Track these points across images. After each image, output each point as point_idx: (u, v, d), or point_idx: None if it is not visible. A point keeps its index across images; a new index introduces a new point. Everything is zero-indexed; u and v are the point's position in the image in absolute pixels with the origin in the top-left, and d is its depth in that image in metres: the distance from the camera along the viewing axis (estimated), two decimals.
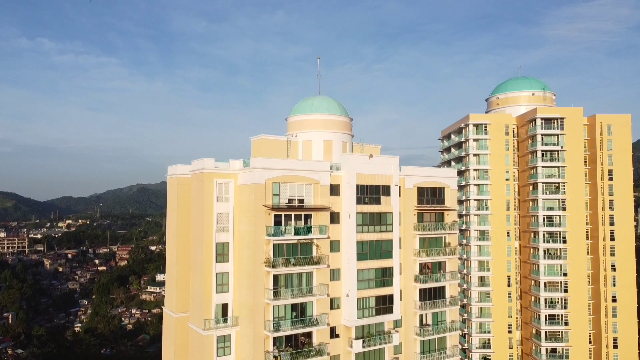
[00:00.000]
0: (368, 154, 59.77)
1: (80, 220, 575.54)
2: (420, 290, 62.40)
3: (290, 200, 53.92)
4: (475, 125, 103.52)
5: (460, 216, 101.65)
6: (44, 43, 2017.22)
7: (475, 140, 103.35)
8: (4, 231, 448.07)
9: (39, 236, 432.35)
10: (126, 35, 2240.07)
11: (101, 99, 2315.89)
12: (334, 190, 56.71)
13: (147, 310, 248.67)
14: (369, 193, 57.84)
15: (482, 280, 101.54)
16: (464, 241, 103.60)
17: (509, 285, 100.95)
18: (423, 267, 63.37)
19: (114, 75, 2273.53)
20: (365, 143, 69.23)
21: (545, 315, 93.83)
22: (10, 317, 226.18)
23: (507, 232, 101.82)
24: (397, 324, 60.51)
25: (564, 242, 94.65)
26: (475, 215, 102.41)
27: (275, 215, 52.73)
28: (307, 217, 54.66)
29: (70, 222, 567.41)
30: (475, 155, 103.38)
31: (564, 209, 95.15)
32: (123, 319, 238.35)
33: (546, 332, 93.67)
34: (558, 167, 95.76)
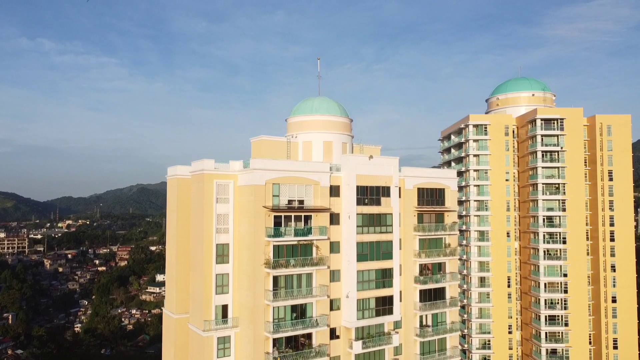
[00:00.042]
0: (368, 154, 59.79)
1: (80, 221, 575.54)
2: (420, 291, 62.39)
3: (290, 202, 53.91)
4: (475, 125, 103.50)
5: (460, 217, 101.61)
6: (44, 43, 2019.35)
7: (475, 140, 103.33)
8: (3, 231, 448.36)
9: (39, 236, 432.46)
10: (126, 36, 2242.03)
11: (101, 99, 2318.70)
12: (334, 191, 56.71)
13: (147, 311, 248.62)
14: (369, 194, 57.85)
15: (482, 281, 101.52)
16: (464, 242, 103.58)
17: (509, 286, 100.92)
18: (423, 268, 63.35)
19: (114, 76, 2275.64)
20: (365, 144, 69.28)
21: (545, 316, 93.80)
22: (10, 317, 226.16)
23: (507, 233, 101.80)
24: (397, 325, 60.51)
25: (564, 242, 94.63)
26: (475, 216, 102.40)
27: (275, 217, 52.73)
28: (307, 218, 54.67)
29: (70, 222, 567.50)
30: (475, 155, 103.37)
31: (564, 210, 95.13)
32: (123, 319, 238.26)
33: (546, 333, 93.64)
34: (558, 167, 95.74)
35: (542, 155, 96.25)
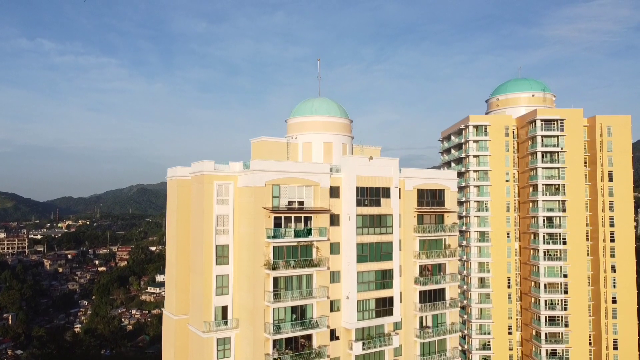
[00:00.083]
0: (368, 155, 59.78)
1: (80, 221, 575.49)
2: (420, 292, 62.36)
3: (290, 203, 53.89)
4: (475, 126, 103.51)
5: (460, 217, 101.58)
6: (44, 44, 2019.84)
7: (475, 141, 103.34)
8: (3, 232, 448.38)
9: (39, 237, 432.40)
10: (126, 36, 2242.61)
11: (101, 99, 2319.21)
12: (334, 192, 56.70)
13: (147, 311, 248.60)
14: (369, 195, 57.83)
15: (482, 282, 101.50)
16: (464, 242, 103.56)
17: (509, 287, 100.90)
18: (423, 269, 63.32)
19: (114, 76, 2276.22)
20: (365, 145, 69.26)
21: (545, 317, 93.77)
22: (10, 317, 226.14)
23: (507, 234, 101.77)
24: (397, 326, 60.48)
25: (564, 243, 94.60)
26: (475, 216, 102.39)
27: (275, 218, 52.72)
28: (307, 220, 54.66)
29: (70, 222, 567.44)
30: (475, 156, 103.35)
31: (564, 211, 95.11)
32: (123, 319, 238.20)
33: (546, 334, 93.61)
34: (558, 168, 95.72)
35: (542, 156, 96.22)
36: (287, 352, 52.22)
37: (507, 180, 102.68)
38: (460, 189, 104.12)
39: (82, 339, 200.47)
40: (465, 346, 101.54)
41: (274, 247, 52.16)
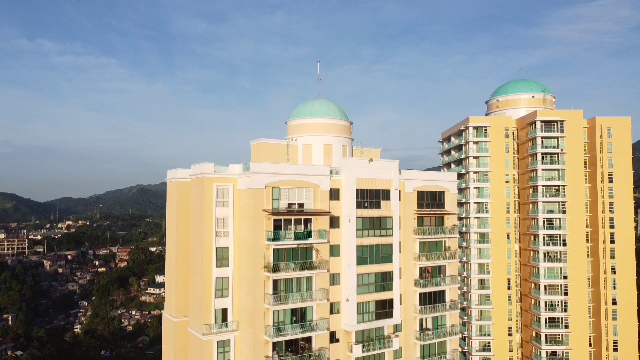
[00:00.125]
0: (368, 157, 59.78)
1: (80, 221, 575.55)
2: (420, 294, 62.32)
3: (290, 205, 53.85)
4: (475, 127, 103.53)
5: (460, 219, 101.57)
6: (44, 44, 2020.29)
7: (475, 142, 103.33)
8: (3, 232, 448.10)
9: (39, 237, 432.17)
10: (126, 36, 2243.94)
11: (101, 99, 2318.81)
12: (334, 194, 56.66)
13: (146, 312, 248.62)
14: (369, 197, 57.78)
15: (482, 283, 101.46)
16: (464, 244, 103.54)
17: (509, 288, 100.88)
18: (423, 271, 63.28)
19: (114, 76, 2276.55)
20: (365, 146, 69.23)
21: (546, 318, 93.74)
22: (9, 318, 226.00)
23: (507, 235, 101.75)
24: (397, 328, 60.42)
25: (564, 244, 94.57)
26: (475, 217, 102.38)
27: (275, 220, 52.68)
28: (307, 222, 54.63)
29: (70, 223, 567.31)
30: (475, 157, 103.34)
31: (564, 212, 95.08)
32: (123, 320, 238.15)
33: (546, 335, 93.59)
34: (558, 169, 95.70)
35: (542, 157, 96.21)
36: (287, 355, 52.18)
37: (507, 182, 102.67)
38: (460, 190, 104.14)
39: (82, 339, 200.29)
40: (465, 347, 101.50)
41: (273, 249, 52.13)
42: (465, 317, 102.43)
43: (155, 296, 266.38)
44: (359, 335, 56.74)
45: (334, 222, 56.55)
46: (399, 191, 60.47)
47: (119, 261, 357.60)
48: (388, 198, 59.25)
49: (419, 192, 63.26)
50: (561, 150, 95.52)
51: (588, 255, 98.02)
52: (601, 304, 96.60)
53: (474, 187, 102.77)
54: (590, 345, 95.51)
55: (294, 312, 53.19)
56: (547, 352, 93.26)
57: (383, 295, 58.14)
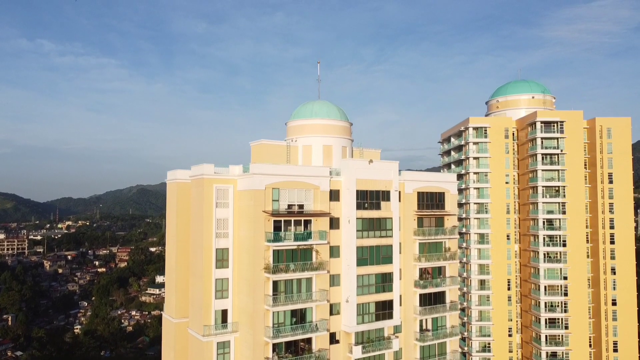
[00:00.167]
0: (368, 158, 59.78)
1: (80, 222, 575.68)
2: (420, 295, 62.31)
3: (290, 206, 53.84)
4: (475, 128, 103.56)
5: (460, 219, 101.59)
6: (44, 44, 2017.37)
7: (475, 143, 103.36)
8: (3, 232, 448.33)
9: (39, 237, 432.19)
10: (126, 37, 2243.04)
11: (101, 100, 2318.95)
12: (334, 195, 56.65)
13: (146, 312, 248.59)
14: (369, 198, 57.77)
15: (482, 284, 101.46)
16: (464, 244, 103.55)
17: (509, 289, 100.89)
18: (423, 272, 63.29)
19: (114, 77, 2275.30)
20: (365, 147, 69.28)
21: (546, 319, 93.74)
22: (9, 319, 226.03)
23: (507, 236, 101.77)
24: (397, 329, 60.43)
25: (564, 245, 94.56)
26: (475, 218, 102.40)
27: (275, 221, 52.66)
28: (307, 223, 54.62)
29: (70, 223, 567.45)
30: (475, 158, 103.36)
31: (564, 212, 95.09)
32: (123, 320, 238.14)
33: (546, 336, 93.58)
34: (558, 170, 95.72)
35: (542, 157, 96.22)
36: (287, 356, 52.18)
37: (507, 182, 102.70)
38: (460, 190, 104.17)
39: (82, 340, 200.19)
40: (466, 348, 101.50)
41: (273, 250, 52.12)
42: (465, 318, 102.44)
43: (155, 296, 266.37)
44: (359, 336, 56.73)
45: (334, 223, 56.54)
46: (399, 192, 60.47)
47: (118, 261, 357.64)
48: (388, 199, 59.24)
49: (419, 193, 63.26)
50: (561, 151, 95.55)
51: (588, 256, 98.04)
52: (601, 305, 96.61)
53: (474, 188, 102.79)
54: (590, 346, 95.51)
55: (294, 313, 53.18)
56: (547, 352, 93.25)
57: (383, 297, 58.12)
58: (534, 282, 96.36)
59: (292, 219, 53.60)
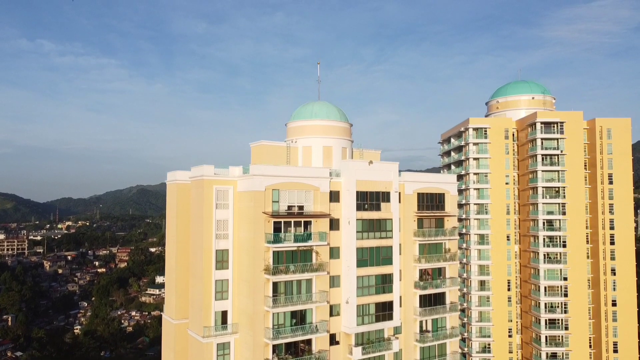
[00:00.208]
0: (368, 159, 59.76)
1: (80, 222, 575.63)
2: (420, 296, 62.27)
3: (289, 207, 53.81)
4: (475, 129, 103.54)
5: (460, 220, 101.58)
6: (44, 44, 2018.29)
7: (475, 144, 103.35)
8: (3, 233, 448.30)
9: (39, 238, 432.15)
10: (126, 37, 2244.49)
11: (101, 100, 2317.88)
12: (334, 196, 56.61)
13: (146, 313, 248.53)
14: (369, 199, 57.74)
15: (482, 284, 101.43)
16: (464, 245, 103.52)
17: (509, 290, 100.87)
18: (423, 273, 63.26)
19: (114, 77, 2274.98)
20: (365, 148, 69.23)
21: (546, 320, 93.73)
22: (9, 319, 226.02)
23: (507, 236, 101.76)
24: (397, 330, 60.39)
25: (564, 246, 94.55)
26: (475, 219, 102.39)
27: (274, 222, 52.61)
28: (307, 224, 54.57)
29: (69, 223, 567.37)
30: (475, 159, 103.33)
31: (564, 213, 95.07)
32: (123, 321, 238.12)
33: (546, 337, 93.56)
34: (558, 171, 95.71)
35: (542, 158, 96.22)
36: (287, 357, 52.14)
37: (507, 183, 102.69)
38: (460, 191, 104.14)
39: (82, 340, 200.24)
40: (465, 349, 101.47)
41: (273, 251, 52.07)
42: (465, 319, 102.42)
43: (155, 297, 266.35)
44: (359, 337, 56.68)
45: (334, 224, 56.49)
46: (399, 193, 60.44)
47: (118, 262, 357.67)
48: (388, 200, 59.21)
49: (419, 194, 63.22)
50: (561, 151, 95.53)
51: (588, 257, 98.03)
52: (601, 306, 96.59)
53: (474, 189, 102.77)
54: (590, 346, 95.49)
55: (293, 314, 53.13)
56: (547, 353, 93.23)
57: (383, 298, 58.08)
58: (534, 283, 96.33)
59: (292, 220, 53.57)
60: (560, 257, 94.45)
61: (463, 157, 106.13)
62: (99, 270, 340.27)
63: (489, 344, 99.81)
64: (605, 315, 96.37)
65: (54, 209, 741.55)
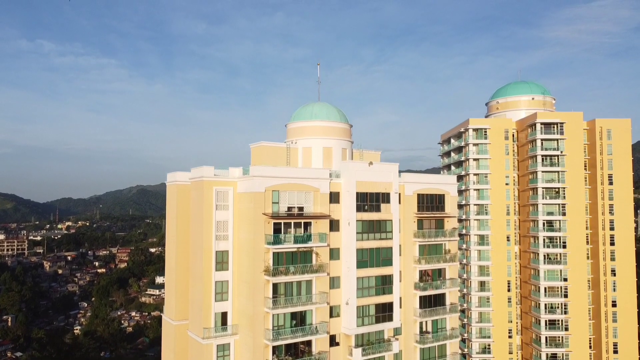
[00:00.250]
0: (368, 160, 59.75)
1: (79, 222, 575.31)
2: (420, 297, 62.24)
3: (289, 208, 53.79)
4: (475, 129, 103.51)
5: (460, 221, 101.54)
6: (44, 45, 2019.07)
7: (475, 144, 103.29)
8: (3, 233, 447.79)
9: (39, 238, 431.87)
10: (126, 37, 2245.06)
11: (101, 100, 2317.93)
12: (334, 197, 56.58)
13: (146, 313, 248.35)
14: (369, 200, 57.72)
15: (482, 285, 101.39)
16: (464, 246, 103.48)
17: (509, 290, 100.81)
18: (423, 275, 63.22)
19: (114, 77, 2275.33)
20: (365, 149, 69.21)
21: (546, 321, 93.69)
22: (9, 319, 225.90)
23: (507, 237, 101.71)
24: (397, 331, 60.37)
25: (564, 247, 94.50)
26: (475, 220, 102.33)
27: (274, 224, 52.59)
28: (307, 225, 54.54)
29: (69, 223, 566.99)
30: (475, 159, 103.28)
31: (564, 214, 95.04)
32: (122, 321, 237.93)
33: (546, 338, 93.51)
34: (558, 171, 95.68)
35: (542, 159, 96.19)
36: (287, 359, 52.11)
37: (507, 184, 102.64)
38: (460, 192, 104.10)
39: (82, 341, 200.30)
40: (465, 350, 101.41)
41: (273, 253, 52.04)
42: (465, 319, 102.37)
43: (155, 297, 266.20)
44: (359, 338, 56.66)
45: (334, 225, 56.47)
46: (399, 194, 60.41)
47: (118, 262, 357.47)
48: (388, 201, 59.19)
49: (419, 195, 63.18)
50: (561, 152, 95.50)
51: (588, 257, 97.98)
52: (601, 306, 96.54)
53: (474, 189, 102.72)
54: (590, 347, 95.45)
55: (293, 315, 53.11)
56: (547, 354, 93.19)
57: (383, 299, 58.07)
58: (534, 284, 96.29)
59: (292, 221, 53.54)
60: (560, 258, 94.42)
61: (463, 158, 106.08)
62: (99, 270, 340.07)
63: (489, 345, 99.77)
64: (605, 316, 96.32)
65: (54, 209, 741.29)
